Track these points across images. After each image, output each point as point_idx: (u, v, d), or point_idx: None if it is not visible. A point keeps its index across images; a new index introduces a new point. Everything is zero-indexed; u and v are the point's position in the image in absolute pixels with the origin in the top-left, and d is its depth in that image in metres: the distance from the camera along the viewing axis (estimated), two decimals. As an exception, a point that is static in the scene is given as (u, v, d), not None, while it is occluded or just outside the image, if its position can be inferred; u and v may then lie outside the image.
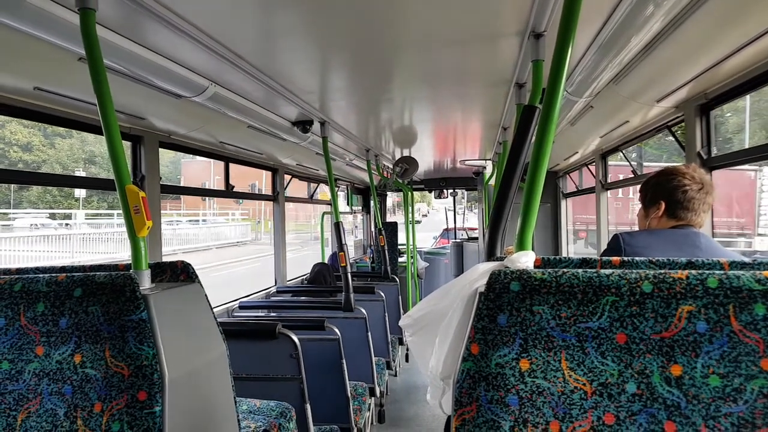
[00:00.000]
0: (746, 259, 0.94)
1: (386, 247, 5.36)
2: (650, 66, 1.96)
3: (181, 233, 21.52)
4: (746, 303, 0.77)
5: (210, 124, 2.81)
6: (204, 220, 26.45)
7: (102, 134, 1.23)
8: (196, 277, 1.33)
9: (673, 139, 2.66)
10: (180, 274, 1.32)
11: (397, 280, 5.21)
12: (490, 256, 1.52)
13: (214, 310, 1.40)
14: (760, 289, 0.76)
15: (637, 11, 1.42)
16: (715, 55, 1.74)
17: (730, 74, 1.91)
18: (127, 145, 2.60)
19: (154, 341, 1.09)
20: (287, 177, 4.65)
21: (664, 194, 1.69)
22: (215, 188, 4.11)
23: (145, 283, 1.19)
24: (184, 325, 1.25)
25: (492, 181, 5.86)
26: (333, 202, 3.45)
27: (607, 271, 0.81)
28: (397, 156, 5.42)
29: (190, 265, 1.33)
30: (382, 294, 4.21)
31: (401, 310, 5.10)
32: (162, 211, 2.89)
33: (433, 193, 8.51)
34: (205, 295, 1.33)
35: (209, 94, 2.16)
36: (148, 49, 1.72)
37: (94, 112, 1.22)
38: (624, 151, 3.59)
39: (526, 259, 0.94)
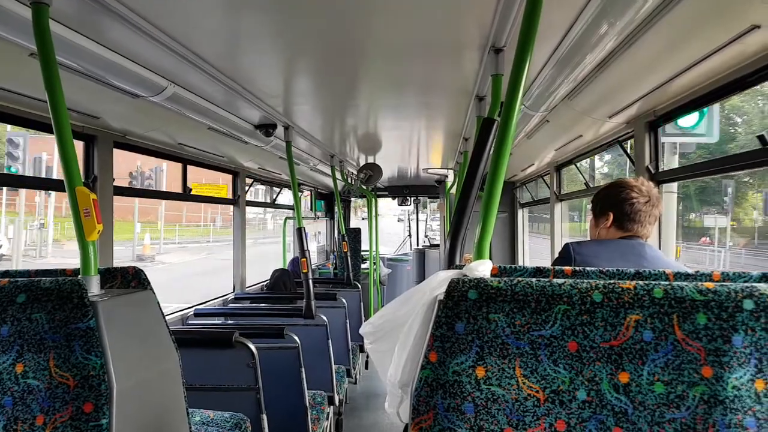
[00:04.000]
0: (689, 271, 0.99)
1: (349, 254, 5.34)
2: (603, 83, 2.05)
3: None
4: (689, 313, 0.81)
5: (168, 125, 2.74)
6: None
7: (52, 133, 1.18)
8: (148, 283, 1.29)
9: (624, 153, 2.79)
10: (131, 280, 1.28)
11: (360, 286, 5.19)
12: (450, 264, 1.55)
13: (168, 317, 1.36)
14: (702, 300, 0.80)
15: (592, 30, 1.49)
16: (663, 75, 1.84)
17: (677, 93, 2.02)
18: (79, 145, 2.49)
19: (102, 350, 1.05)
20: (248, 180, 4.57)
21: (613, 206, 1.77)
22: (171, 191, 3.99)
23: (94, 289, 1.15)
24: (135, 334, 1.21)
25: (453, 190, 5.96)
26: (296, 207, 3.42)
27: (560, 281, 0.84)
28: (362, 162, 5.43)
29: (142, 271, 1.29)
30: (344, 301, 4.19)
31: (363, 317, 5.09)
32: None
33: (396, 200, 8.57)
34: (158, 302, 1.30)
35: (168, 95, 2.11)
36: (103, 47, 1.66)
37: (45, 109, 1.18)
38: (577, 164, 3.73)
39: (483, 268, 0.96)
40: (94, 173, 2.52)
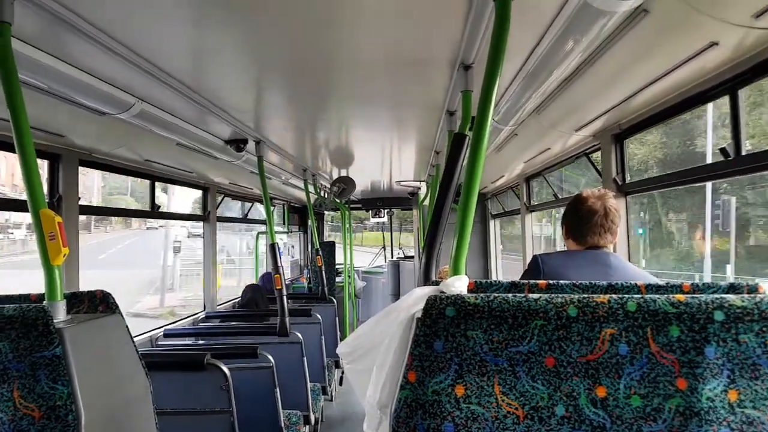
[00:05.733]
0: (659, 281, 1.02)
1: (323, 268, 5.29)
2: (569, 98, 2.10)
3: None
4: (662, 325, 0.82)
5: (135, 142, 2.67)
6: None
7: (14, 152, 1.14)
8: (117, 307, 1.24)
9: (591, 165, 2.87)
10: (99, 304, 1.23)
11: (335, 301, 5.14)
12: (426, 279, 1.55)
13: (136, 338, 1.32)
14: (674, 312, 0.82)
15: (558, 46, 1.53)
16: (627, 90, 1.91)
17: (641, 107, 2.09)
18: (42, 164, 2.40)
19: (69, 379, 1.01)
20: (219, 196, 4.49)
21: (565, 217, 1.85)
22: (139, 209, 3.89)
23: (60, 315, 1.11)
24: (103, 361, 1.16)
25: (426, 202, 6.00)
26: (268, 222, 3.37)
27: (535, 296, 0.85)
28: (335, 175, 5.42)
29: (110, 294, 1.25)
30: (319, 316, 4.13)
31: (339, 332, 5.04)
32: None
33: (370, 212, 8.58)
34: (126, 326, 1.25)
35: (135, 112, 2.06)
36: (68, 64, 1.62)
37: (6, 128, 1.14)
38: (546, 175, 3.81)
39: (460, 284, 0.96)
40: (59, 193, 2.44)
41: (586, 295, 0.84)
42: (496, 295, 0.86)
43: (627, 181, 2.43)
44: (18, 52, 1.27)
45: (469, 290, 1.00)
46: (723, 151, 1.63)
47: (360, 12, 1.44)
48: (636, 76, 1.78)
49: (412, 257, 8.44)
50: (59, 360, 1.01)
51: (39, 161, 1.18)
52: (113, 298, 1.25)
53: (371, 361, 1.01)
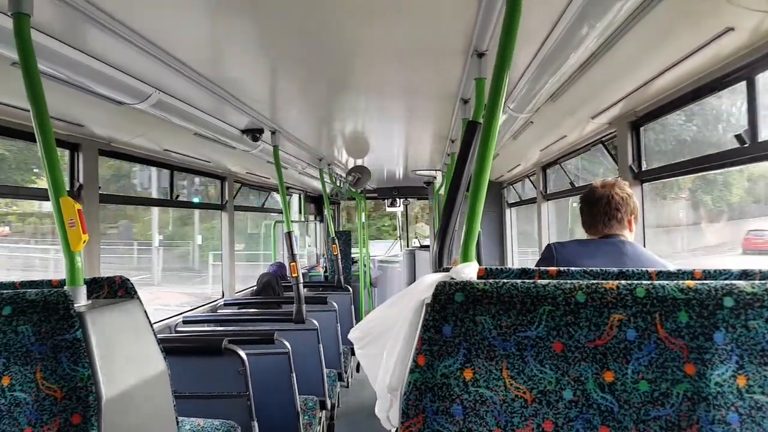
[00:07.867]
0: (671, 268, 1.01)
1: (339, 256, 5.34)
2: (585, 85, 2.07)
3: None
4: (671, 311, 0.82)
5: (154, 131, 2.72)
6: None
7: (35, 141, 1.17)
8: (135, 293, 1.28)
9: (607, 153, 2.82)
10: (118, 290, 1.27)
11: (351, 289, 5.18)
12: (439, 266, 1.56)
13: (156, 324, 1.36)
14: (683, 298, 0.82)
15: (573, 32, 1.51)
16: (643, 76, 1.87)
17: (658, 94, 2.05)
18: (63, 153, 2.47)
19: (90, 361, 1.04)
20: (236, 185, 4.55)
21: (581, 207, 1.85)
22: (159, 197, 3.96)
23: (81, 300, 1.14)
24: (122, 344, 1.20)
25: (442, 191, 5.98)
26: (284, 212, 3.41)
27: (544, 282, 0.85)
28: (350, 165, 5.43)
29: (128, 280, 1.28)
30: (335, 304, 4.18)
31: (354, 320, 5.08)
32: None
33: (386, 201, 8.60)
34: (145, 311, 1.29)
35: (153, 101, 2.10)
36: (87, 55, 1.65)
37: (27, 118, 1.17)
38: (562, 164, 3.76)
39: (469, 270, 0.96)
40: (79, 182, 2.50)
41: (594, 282, 0.84)
42: (505, 281, 0.86)
43: (643, 169, 2.39)
44: (38, 43, 1.30)
45: (479, 277, 1.00)
46: (739, 137, 1.60)
47: (374, 1, 1.44)
48: (653, 62, 1.75)
49: (428, 246, 8.45)
50: (80, 343, 1.04)
51: (59, 151, 1.21)
52: (132, 284, 1.29)
53: (382, 345, 1.02)
